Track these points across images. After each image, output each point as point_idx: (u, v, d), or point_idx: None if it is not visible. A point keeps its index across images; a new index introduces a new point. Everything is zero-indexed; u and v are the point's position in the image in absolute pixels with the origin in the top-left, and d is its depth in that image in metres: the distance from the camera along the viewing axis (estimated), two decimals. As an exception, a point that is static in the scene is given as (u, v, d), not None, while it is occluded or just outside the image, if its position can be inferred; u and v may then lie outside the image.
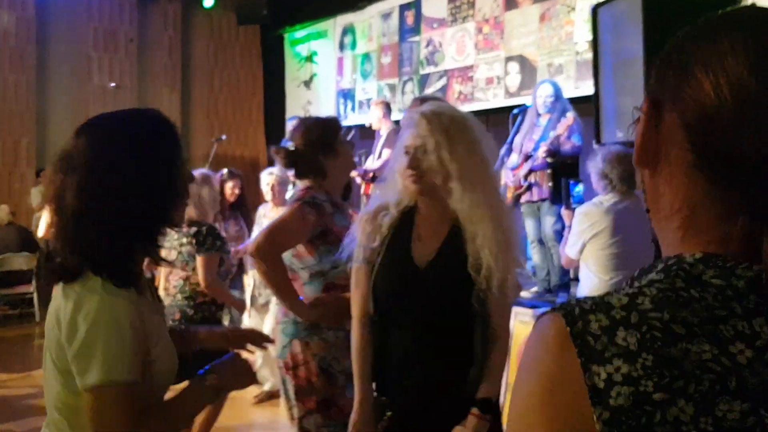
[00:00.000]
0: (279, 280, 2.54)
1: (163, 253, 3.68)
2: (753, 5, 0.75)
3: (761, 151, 0.65)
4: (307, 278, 2.61)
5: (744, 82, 0.65)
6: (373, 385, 2.12)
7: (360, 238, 2.13)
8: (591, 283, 3.59)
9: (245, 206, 5.65)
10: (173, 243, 3.76)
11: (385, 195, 2.16)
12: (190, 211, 3.73)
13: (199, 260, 3.71)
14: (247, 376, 1.67)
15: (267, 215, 5.27)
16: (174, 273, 3.80)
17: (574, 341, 0.63)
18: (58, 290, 1.44)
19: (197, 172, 3.92)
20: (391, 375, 2.08)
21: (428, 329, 2.02)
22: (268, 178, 5.33)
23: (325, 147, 2.65)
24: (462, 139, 2.03)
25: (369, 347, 2.10)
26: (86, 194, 1.39)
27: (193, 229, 3.75)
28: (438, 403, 2.02)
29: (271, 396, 5.13)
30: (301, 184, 2.70)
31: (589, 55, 5.36)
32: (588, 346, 0.62)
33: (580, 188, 4.37)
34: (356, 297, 2.14)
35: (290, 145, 2.67)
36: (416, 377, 2.02)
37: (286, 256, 2.59)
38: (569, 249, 3.72)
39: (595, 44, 3.93)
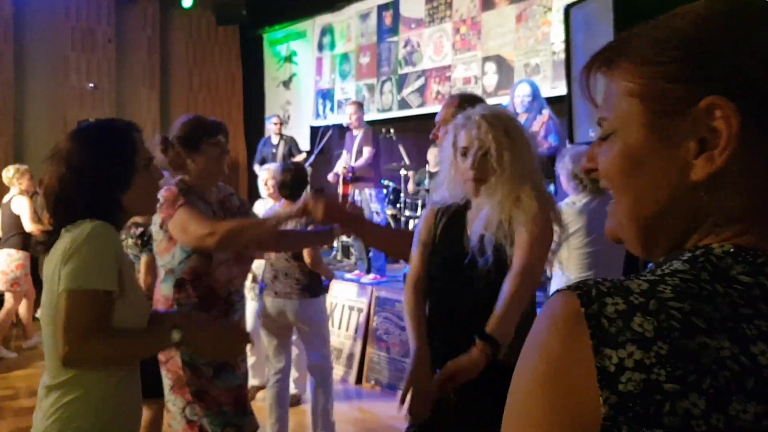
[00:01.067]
0: None
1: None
2: None
3: None
4: (163, 275, 2.66)
5: None
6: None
7: (420, 228, 2.31)
8: (566, 281, 3.65)
9: None
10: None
11: (441, 193, 2.28)
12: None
13: (142, 261, 3.75)
14: (225, 346, 1.93)
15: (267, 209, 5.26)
16: None
17: (588, 322, 0.61)
18: (58, 243, 1.77)
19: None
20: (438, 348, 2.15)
21: (475, 306, 2.09)
22: (264, 174, 5.38)
23: (189, 144, 2.71)
24: (520, 139, 2.13)
25: (420, 308, 2.24)
26: (73, 171, 1.79)
27: (139, 230, 3.79)
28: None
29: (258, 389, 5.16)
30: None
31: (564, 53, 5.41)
32: (602, 329, 0.60)
33: (551, 188, 4.43)
34: (412, 267, 2.30)
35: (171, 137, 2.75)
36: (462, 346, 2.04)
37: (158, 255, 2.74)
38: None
39: (567, 44, 3.96)
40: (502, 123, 2.11)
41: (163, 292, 2.63)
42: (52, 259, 1.74)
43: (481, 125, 2.08)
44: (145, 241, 3.74)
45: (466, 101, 2.43)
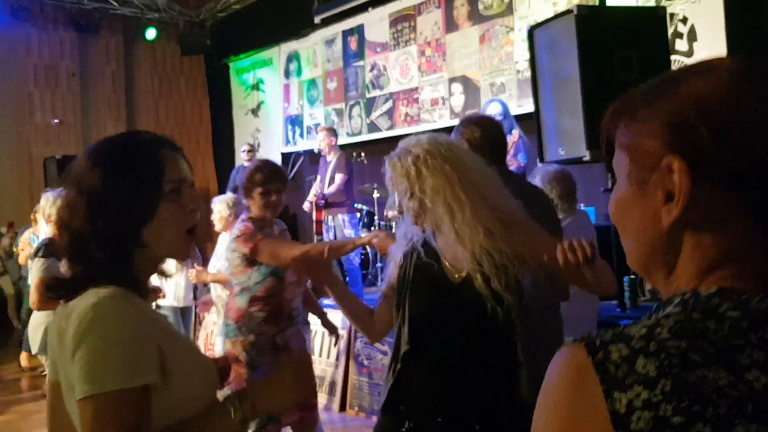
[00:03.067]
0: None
1: None
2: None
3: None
4: (238, 291, 3.20)
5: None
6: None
7: (391, 268, 2.22)
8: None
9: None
10: None
11: (404, 227, 2.20)
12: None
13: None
14: (284, 395, 1.43)
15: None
16: None
17: (596, 369, 0.66)
18: (58, 310, 1.36)
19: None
20: (423, 394, 2.06)
21: (468, 343, 2.02)
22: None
23: (246, 191, 3.28)
24: (434, 171, 2.00)
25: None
26: (82, 195, 1.38)
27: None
28: (489, 411, 2.01)
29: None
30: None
31: (530, 74, 5.51)
32: (609, 374, 0.65)
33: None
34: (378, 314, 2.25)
35: None
36: (465, 386, 2.01)
37: (229, 272, 3.25)
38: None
39: (533, 65, 4.04)
40: (404, 165, 2.02)
41: (238, 305, 3.19)
42: (53, 339, 1.34)
43: (388, 172, 2.05)
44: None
45: (469, 123, 2.57)
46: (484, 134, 2.61)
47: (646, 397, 0.63)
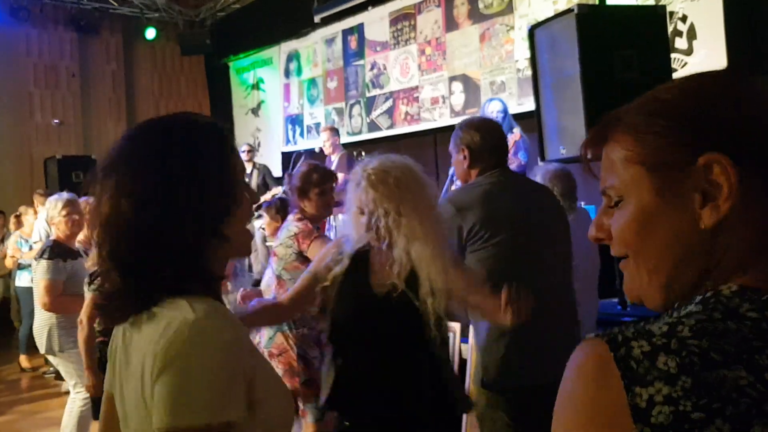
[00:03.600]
0: None
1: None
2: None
3: None
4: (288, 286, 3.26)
5: None
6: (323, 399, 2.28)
7: (321, 256, 2.38)
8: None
9: None
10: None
11: (347, 230, 2.33)
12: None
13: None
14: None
15: None
16: None
17: (618, 365, 0.67)
18: (121, 327, 1.18)
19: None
20: (348, 393, 2.22)
21: (385, 351, 2.17)
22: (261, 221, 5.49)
23: (301, 193, 3.40)
24: (409, 196, 2.17)
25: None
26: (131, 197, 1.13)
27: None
28: (394, 418, 2.15)
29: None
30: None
31: (530, 72, 5.52)
32: (631, 370, 0.67)
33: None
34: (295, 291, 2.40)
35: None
36: (374, 394, 2.17)
37: (278, 266, 3.31)
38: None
39: (533, 64, 4.05)
40: (387, 184, 2.16)
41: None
42: (138, 351, 1.12)
43: (367, 190, 2.16)
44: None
45: (470, 126, 2.61)
46: (483, 138, 2.62)
47: (667, 393, 0.65)
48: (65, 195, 4.17)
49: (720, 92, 0.75)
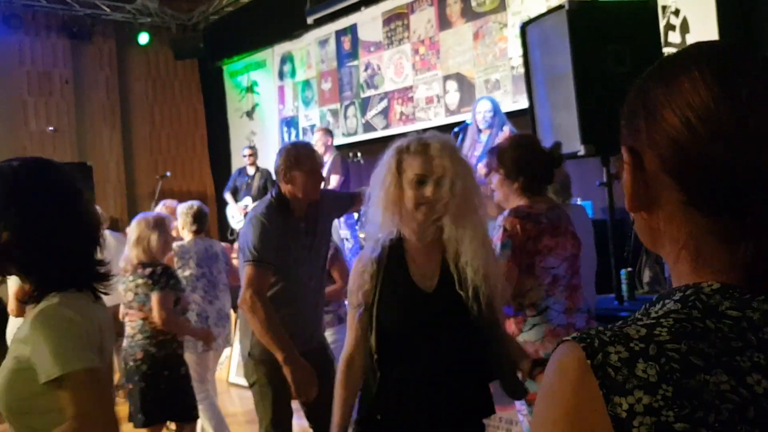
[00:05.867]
0: None
1: (120, 294, 3.69)
2: (699, 42, 0.78)
3: (743, 175, 0.67)
4: None
5: (711, 112, 0.68)
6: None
7: (352, 283, 2.13)
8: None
9: None
10: (129, 284, 3.81)
11: (374, 234, 2.14)
12: (140, 254, 3.77)
13: (154, 298, 3.74)
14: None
15: None
16: (131, 314, 3.82)
17: (595, 373, 0.65)
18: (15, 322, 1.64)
19: (151, 215, 3.95)
20: (402, 404, 2.06)
21: (446, 351, 2.04)
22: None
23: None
24: (468, 168, 2.11)
25: (351, 389, 2.14)
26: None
27: (148, 270, 3.80)
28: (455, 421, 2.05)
29: None
30: None
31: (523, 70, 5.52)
32: (609, 378, 0.64)
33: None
34: (349, 339, 2.15)
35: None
36: (435, 399, 2.03)
37: None
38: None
39: (526, 61, 4.05)
40: (455, 150, 2.09)
41: None
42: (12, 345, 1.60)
43: (440, 153, 2.01)
44: (156, 279, 3.76)
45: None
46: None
47: (648, 403, 0.63)
48: None
49: (635, 94, 0.78)
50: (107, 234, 5.92)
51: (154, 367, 3.71)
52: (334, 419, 2.13)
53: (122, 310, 3.89)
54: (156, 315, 3.72)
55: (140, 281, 3.78)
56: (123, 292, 3.83)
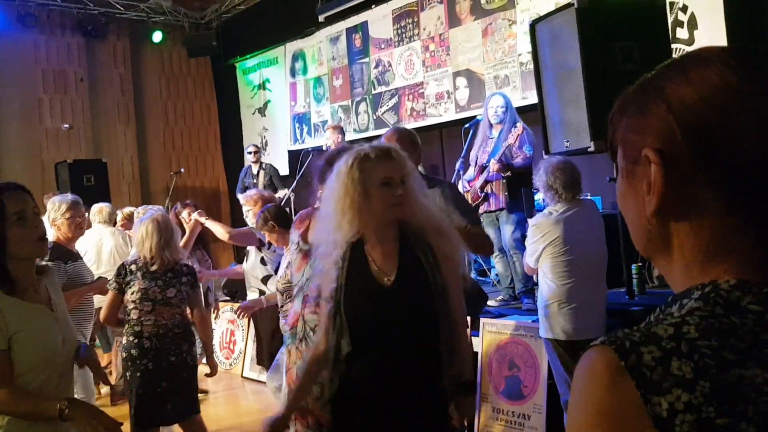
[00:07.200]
0: None
1: (159, 291, 3.77)
2: (708, 46, 0.78)
3: None
4: (296, 291, 3.06)
5: (745, 98, 0.70)
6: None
7: (322, 279, 2.30)
8: (549, 288, 3.76)
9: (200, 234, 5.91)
10: (172, 282, 3.89)
11: (326, 236, 2.30)
12: (174, 254, 3.92)
13: (194, 296, 3.99)
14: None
15: None
16: (159, 311, 3.84)
17: (630, 374, 0.64)
18: None
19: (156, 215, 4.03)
20: (365, 398, 2.20)
21: (406, 344, 2.17)
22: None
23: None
24: (413, 165, 2.32)
25: (314, 379, 2.38)
26: None
27: (186, 268, 3.99)
28: (420, 412, 2.17)
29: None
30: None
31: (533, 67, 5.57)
32: (645, 378, 0.64)
33: (540, 196, 4.53)
34: (320, 331, 2.34)
35: None
36: (396, 393, 2.16)
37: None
38: (528, 258, 3.91)
39: (535, 59, 4.10)
40: (402, 153, 2.30)
41: (295, 308, 3.03)
42: None
43: (398, 157, 2.24)
44: (194, 282, 4.01)
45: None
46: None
47: (687, 400, 0.63)
48: (69, 197, 4.13)
49: (692, 102, 0.74)
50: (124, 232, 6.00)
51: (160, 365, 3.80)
52: (288, 401, 2.41)
53: (131, 305, 3.85)
54: (197, 312, 4.03)
55: (184, 279, 3.94)
56: (160, 288, 3.86)
